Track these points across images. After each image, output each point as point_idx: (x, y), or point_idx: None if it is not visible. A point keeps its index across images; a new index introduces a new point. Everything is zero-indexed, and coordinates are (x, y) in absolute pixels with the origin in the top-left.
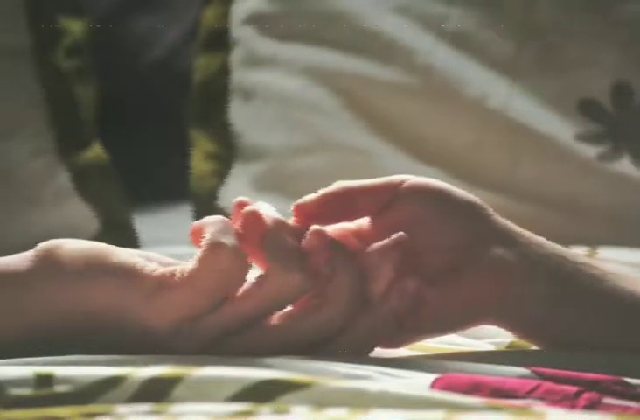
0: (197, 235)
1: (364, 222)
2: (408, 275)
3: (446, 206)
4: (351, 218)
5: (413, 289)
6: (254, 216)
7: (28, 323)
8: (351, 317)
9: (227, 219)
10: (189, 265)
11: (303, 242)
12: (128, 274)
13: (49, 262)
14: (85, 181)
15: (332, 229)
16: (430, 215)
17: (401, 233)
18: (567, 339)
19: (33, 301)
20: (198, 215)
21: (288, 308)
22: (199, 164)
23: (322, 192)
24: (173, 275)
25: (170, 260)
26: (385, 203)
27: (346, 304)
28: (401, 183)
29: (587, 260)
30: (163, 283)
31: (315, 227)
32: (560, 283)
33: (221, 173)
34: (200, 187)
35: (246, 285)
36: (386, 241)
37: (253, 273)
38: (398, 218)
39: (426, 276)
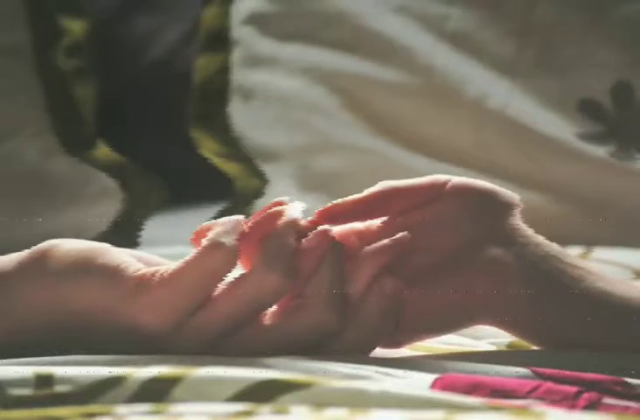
0: (199, 235)
1: (374, 222)
2: (387, 275)
3: (468, 205)
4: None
5: (391, 288)
6: (273, 216)
7: (12, 324)
8: (341, 316)
9: (242, 219)
10: (172, 265)
11: (304, 242)
12: (111, 274)
13: (36, 263)
14: (96, 180)
15: (338, 229)
16: (435, 216)
17: (405, 233)
18: (556, 339)
19: (17, 301)
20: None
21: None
22: (226, 165)
23: (367, 191)
24: (153, 275)
25: (165, 261)
26: (423, 202)
27: (328, 302)
28: (446, 183)
29: (574, 260)
30: (143, 284)
31: (322, 227)
32: (544, 284)
33: (257, 173)
34: (245, 187)
35: (223, 284)
36: (384, 241)
37: (236, 272)
38: (412, 218)
39: (421, 275)
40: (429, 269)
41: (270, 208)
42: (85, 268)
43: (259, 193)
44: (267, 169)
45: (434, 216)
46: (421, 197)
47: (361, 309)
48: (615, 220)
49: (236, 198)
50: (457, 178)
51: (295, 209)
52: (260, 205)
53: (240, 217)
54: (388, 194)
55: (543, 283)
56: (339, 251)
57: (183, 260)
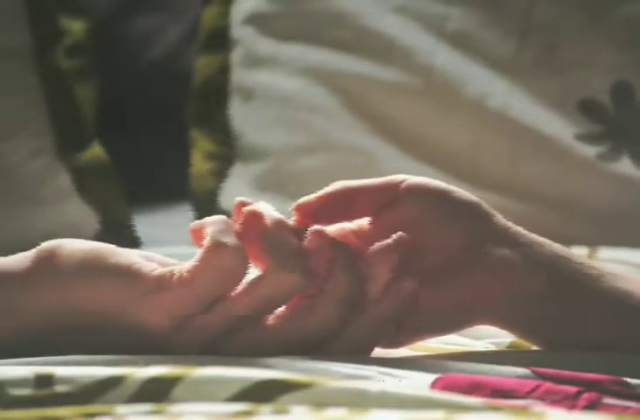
0: (197, 235)
1: (363, 222)
2: (405, 275)
3: (446, 206)
4: (350, 218)
5: (409, 289)
6: (255, 216)
7: (23, 323)
8: (349, 317)
9: (228, 219)
10: (187, 265)
11: (305, 242)
12: (125, 274)
13: (47, 262)
14: (84, 181)
15: (332, 229)
16: (431, 215)
17: (401, 233)
18: (564, 339)
19: (28, 301)
20: (199, 215)
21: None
22: (199, 163)
23: (322, 191)
24: (172, 275)
25: (170, 260)
26: (384, 203)
27: (342, 304)
28: (401, 183)
29: (585, 260)
30: (162, 283)
31: (315, 227)
32: (558, 284)
33: (221, 173)
34: (200, 187)
35: (243, 285)
36: (387, 241)
37: (253, 273)
38: (398, 218)
39: (423, 276)
40: (432, 269)
41: (239, 209)
42: (97, 267)
43: (213, 194)
44: (242, 169)
45: (412, 217)
46: (379, 197)
47: (377, 309)
48: (592, 222)
49: (194, 198)
50: (413, 178)
51: (269, 208)
52: (218, 205)
53: (223, 217)
54: (345, 194)
55: (556, 283)
56: (347, 251)
57: (194, 259)
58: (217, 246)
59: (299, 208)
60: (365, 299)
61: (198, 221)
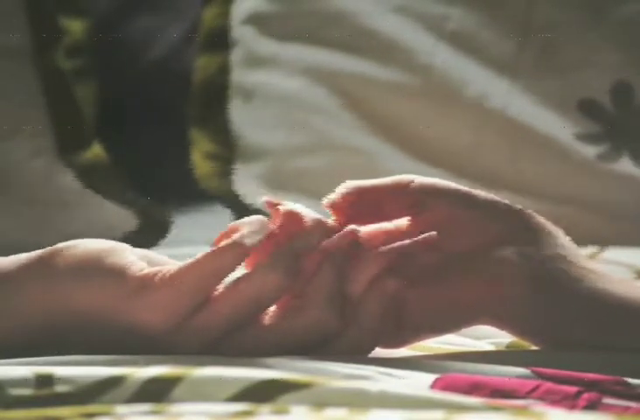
0: (225, 236)
1: (402, 222)
2: (391, 274)
3: (474, 206)
4: (380, 220)
5: (393, 289)
6: (293, 216)
7: (13, 323)
8: (342, 317)
9: (266, 219)
10: (176, 265)
11: (324, 242)
12: (114, 274)
13: (43, 263)
14: (86, 181)
15: (368, 229)
16: (464, 216)
17: (433, 232)
18: (555, 339)
19: (18, 301)
20: (237, 215)
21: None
22: (200, 164)
23: (339, 191)
24: (155, 275)
25: (171, 261)
26: (410, 205)
27: (325, 304)
28: (409, 183)
29: (578, 260)
30: (145, 284)
31: (352, 226)
32: (546, 283)
33: (223, 173)
34: (209, 187)
35: (224, 284)
36: (405, 242)
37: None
38: (434, 218)
39: (426, 275)
40: (435, 268)
41: (272, 208)
42: (91, 267)
43: (229, 193)
44: (242, 169)
45: (451, 217)
46: (386, 197)
47: (361, 309)
48: (593, 222)
49: (225, 199)
50: (420, 179)
51: (304, 207)
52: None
53: (261, 217)
54: (357, 194)
55: (543, 283)
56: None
57: (189, 260)
58: (229, 247)
59: (334, 207)
60: (349, 298)
61: (236, 222)
